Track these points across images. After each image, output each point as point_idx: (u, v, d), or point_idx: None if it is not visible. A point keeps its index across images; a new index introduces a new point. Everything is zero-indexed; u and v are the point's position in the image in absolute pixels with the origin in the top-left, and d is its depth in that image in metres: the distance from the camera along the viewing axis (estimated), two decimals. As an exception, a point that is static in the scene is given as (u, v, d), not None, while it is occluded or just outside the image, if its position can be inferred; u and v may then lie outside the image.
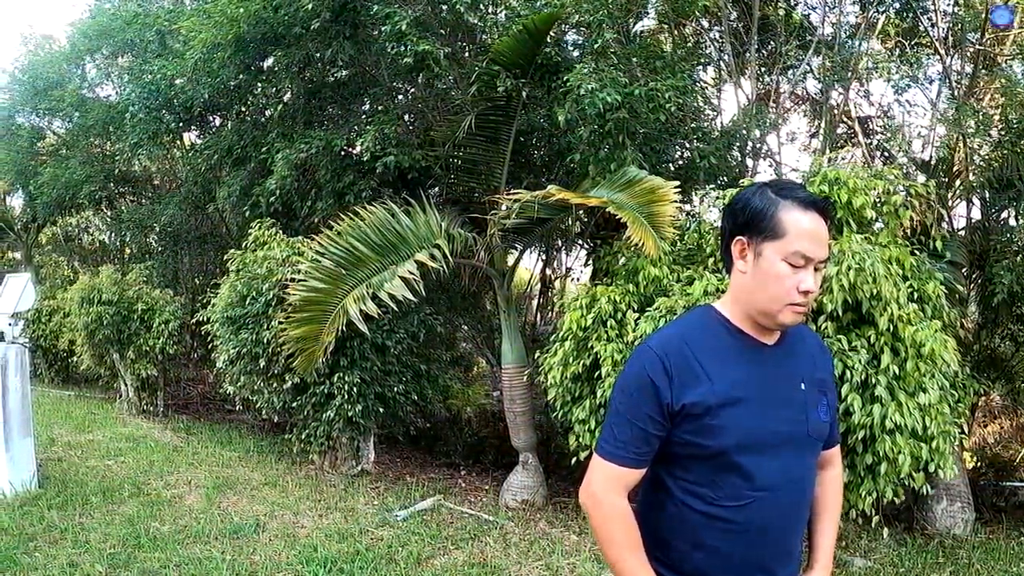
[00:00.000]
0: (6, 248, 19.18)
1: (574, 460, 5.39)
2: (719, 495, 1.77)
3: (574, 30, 7.02)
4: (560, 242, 8.71)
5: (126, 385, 10.53)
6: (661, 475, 1.86)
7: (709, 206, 5.96)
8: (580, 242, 8.71)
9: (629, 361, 1.89)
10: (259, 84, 8.65)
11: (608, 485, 1.81)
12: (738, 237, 1.81)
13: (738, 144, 7.11)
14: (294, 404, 6.92)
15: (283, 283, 6.55)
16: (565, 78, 5.68)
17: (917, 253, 5.00)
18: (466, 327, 8.59)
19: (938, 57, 7.44)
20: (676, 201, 5.12)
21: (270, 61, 8.35)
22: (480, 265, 6.48)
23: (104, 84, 12.85)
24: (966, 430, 5.62)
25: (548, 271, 9.99)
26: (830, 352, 2.14)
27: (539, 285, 10.03)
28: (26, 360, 6.67)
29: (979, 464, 7.76)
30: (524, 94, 6.32)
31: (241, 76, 8.24)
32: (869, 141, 8.53)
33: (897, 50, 8.35)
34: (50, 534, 5.44)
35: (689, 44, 8.70)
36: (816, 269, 1.74)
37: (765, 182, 1.85)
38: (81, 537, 5.36)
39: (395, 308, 5.87)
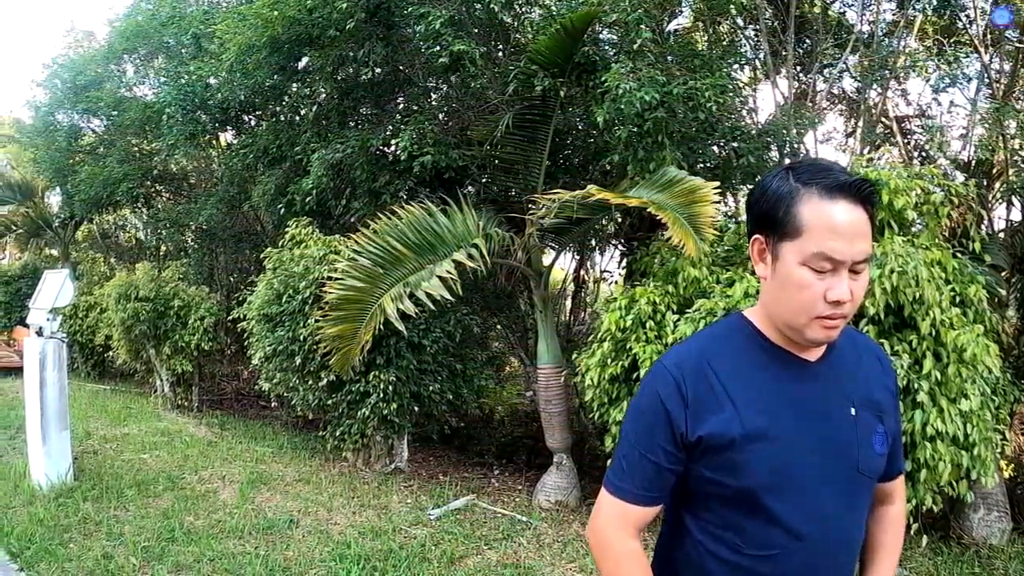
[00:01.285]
0: (44, 245, 19.47)
1: (609, 462, 5.37)
2: (745, 542, 1.50)
3: (608, 29, 6.99)
4: (594, 242, 8.68)
5: (161, 380, 10.68)
6: (681, 514, 1.62)
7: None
8: (614, 242, 8.67)
9: (643, 381, 1.62)
10: (294, 85, 8.75)
11: (616, 524, 1.59)
12: (755, 235, 1.52)
13: (776, 143, 7.05)
14: (329, 402, 6.95)
15: (320, 281, 6.58)
16: (603, 77, 5.66)
17: (958, 256, 4.94)
18: (500, 327, 8.59)
19: (977, 55, 7.33)
20: (716, 202, 5.09)
21: (304, 62, 8.44)
22: (518, 265, 6.47)
23: (141, 84, 13.03)
24: (1006, 437, 5.53)
25: (582, 271, 9.96)
26: (893, 366, 1.79)
27: (573, 285, 10.01)
28: (64, 355, 6.76)
29: (1016, 473, 7.63)
30: (561, 93, 6.30)
31: (276, 77, 8.31)
32: (907, 141, 8.43)
33: (935, 48, 8.24)
34: (85, 526, 5.53)
35: (724, 42, 8.65)
36: (854, 271, 1.41)
37: (790, 164, 1.51)
38: (115, 529, 5.44)
39: (432, 307, 5.88)
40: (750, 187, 6.28)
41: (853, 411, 1.54)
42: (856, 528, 1.58)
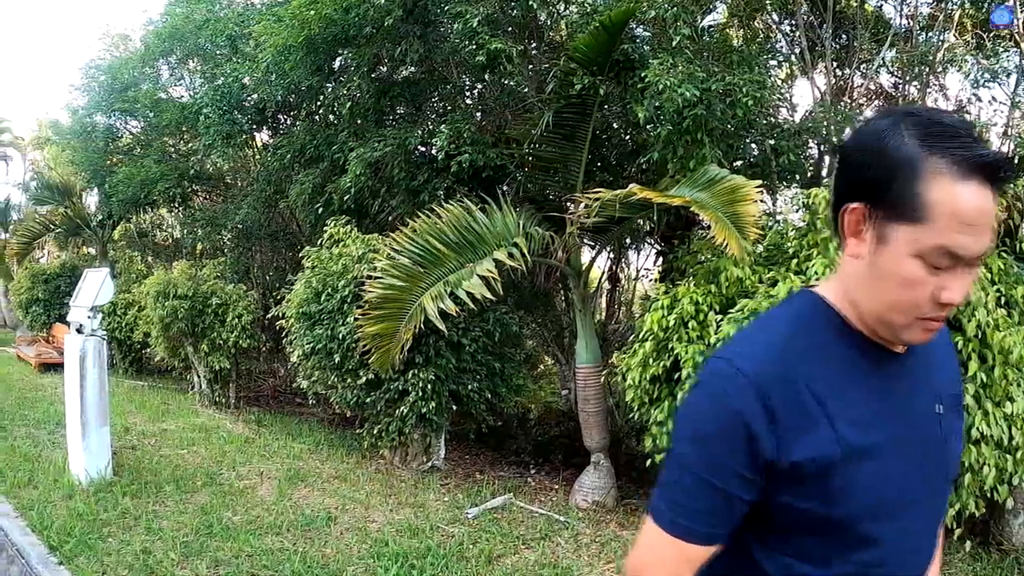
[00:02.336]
0: (82, 244, 19.77)
1: (648, 462, 5.36)
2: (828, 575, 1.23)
3: (642, 26, 6.96)
4: (630, 240, 8.65)
5: (199, 377, 10.78)
6: (747, 541, 1.29)
7: (796, 208, 5.85)
8: (650, 240, 8.64)
9: (700, 387, 1.26)
10: (329, 84, 8.79)
11: (670, 568, 1.24)
12: (852, 204, 1.17)
13: (816, 140, 6.98)
14: (367, 399, 6.97)
15: (359, 280, 6.61)
16: (643, 74, 5.63)
17: (1004, 256, 4.87)
18: (535, 325, 8.58)
19: (1017, 50, 7.21)
20: (758, 200, 5.05)
21: (339, 62, 8.49)
22: (558, 264, 6.45)
23: (177, 86, 13.19)
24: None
25: (617, 269, 9.93)
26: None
27: (608, 284, 9.98)
28: (104, 352, 6.83)
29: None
30: (600, 91, 6.29)
31: (312, 77, 8.36)
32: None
33: (974, 42, 8.12)
34: (124, 521, 5.57)
35: (760, 38, 8.58)
36: (970, 265, 1.12)
37: (907, 111, 1.16)
38: (154, 524, 5.49)
39: (472, 307, 5.89)
40: (796, 186, 6.19)
41: (940, 409, 1.30)
42: (936, 539, 1.37)
